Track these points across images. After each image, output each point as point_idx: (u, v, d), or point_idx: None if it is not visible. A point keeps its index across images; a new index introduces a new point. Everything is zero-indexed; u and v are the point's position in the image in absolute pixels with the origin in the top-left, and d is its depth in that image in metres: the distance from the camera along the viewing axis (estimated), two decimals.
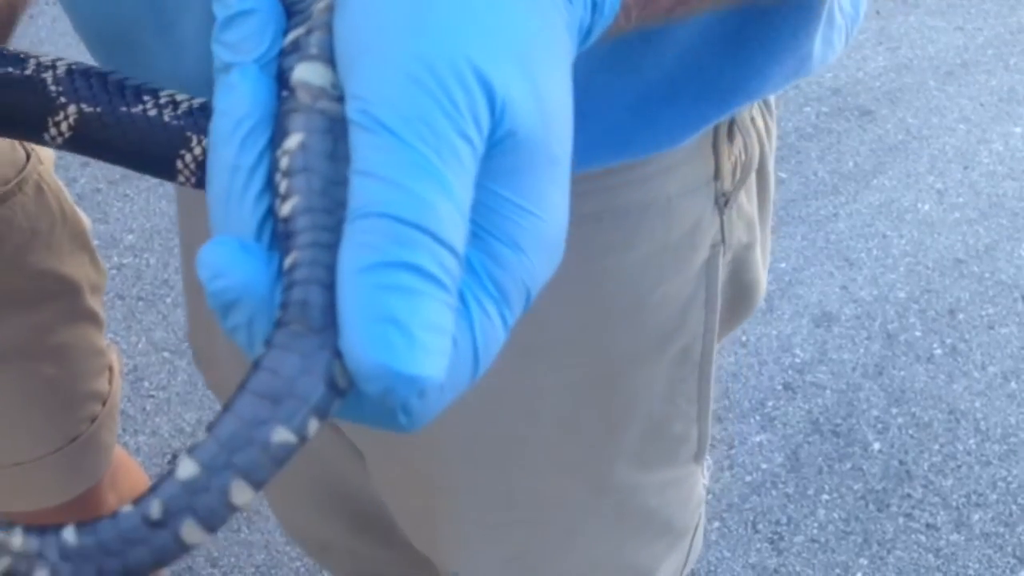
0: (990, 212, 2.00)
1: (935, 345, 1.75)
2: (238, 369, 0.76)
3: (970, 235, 1.95)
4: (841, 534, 1.50)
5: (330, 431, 0.75)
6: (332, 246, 0.24)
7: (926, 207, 2.01)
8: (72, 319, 0.85)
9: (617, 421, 0.61)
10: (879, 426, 1.64)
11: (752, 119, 0.57)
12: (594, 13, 0.28)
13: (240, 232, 0.25)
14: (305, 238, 0.24)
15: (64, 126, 0.37)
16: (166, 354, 1.76)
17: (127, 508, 0.24)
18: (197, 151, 0.36)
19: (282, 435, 0.23)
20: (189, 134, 0.36)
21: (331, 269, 0.23)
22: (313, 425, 0.23)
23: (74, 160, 2.15)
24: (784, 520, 1.52)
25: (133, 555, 0.23)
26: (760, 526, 1.52)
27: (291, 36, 0.26)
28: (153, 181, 2.09)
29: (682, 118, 0.49)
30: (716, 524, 1.52)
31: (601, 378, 0.59)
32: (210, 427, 0.23)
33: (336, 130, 0.25)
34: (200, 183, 0.37)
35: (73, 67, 0.37)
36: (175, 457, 1.60)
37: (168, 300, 1.85)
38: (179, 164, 0.36)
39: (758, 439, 1.62)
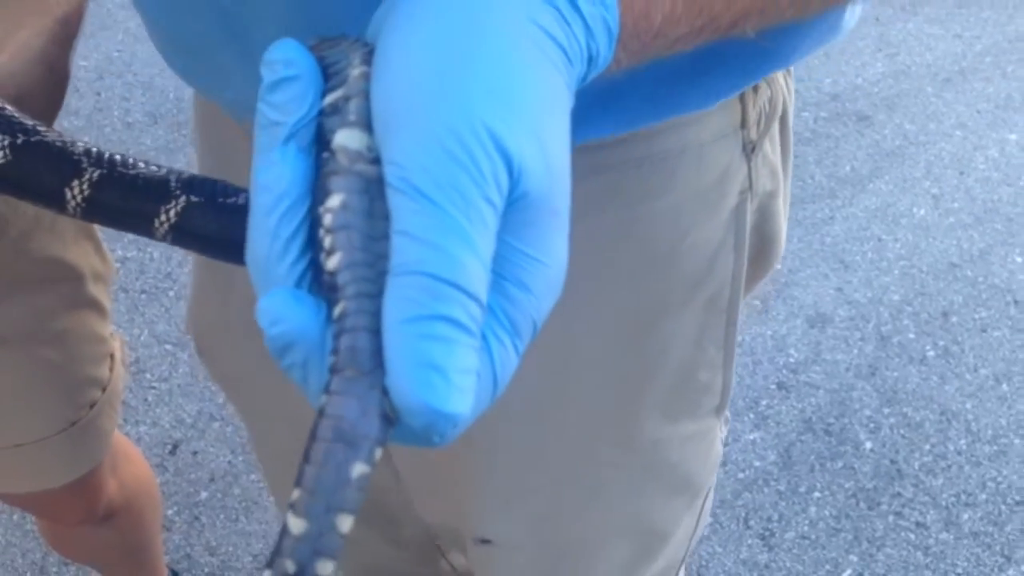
0: (985, 217, 2.02)
1: (928, 347, 1.77)
2: (242, 360, 0.77)
3: (964, 240, 1.97)
4: (832, 531, 1.52)
5: None
6: (374, 296, 0.27)
7: (922, 211, 2.03)
8: (74, 305, 0.87)
9: (648, 369, 0.63)
10: (871, 426, 1.66)
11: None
12: (589, 65, 0.32)
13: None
14: (351, 290, 0.27)
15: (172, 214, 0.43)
16: (168, 346, 1.78)
17: (268, 574, 0.27)
18: None
19: (359, 469, 0.27)
20: None
21: (374, 316, 0.27)
22: (378, 453, 0.27)
23: None
24: (776, 517, 1.54)
25: None
26: (752, 522, 1.54)
27: (329, 99, 0.30)
28: None
29: (719, 85, 0.53)
30: (708, 520, 1.54)
31: (635, 326, 0.61)
32: (298, 481, 0.27)
33: (372, 190, 0.28)
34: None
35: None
36: (176, 447, 1.62)
37: (171, 293, 1.87)
38: None
39: (751, 437, 1.64)
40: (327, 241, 0.28)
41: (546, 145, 0.29)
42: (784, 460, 1.61)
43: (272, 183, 0.29)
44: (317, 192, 0.29)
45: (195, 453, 1.62)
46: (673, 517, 0.75)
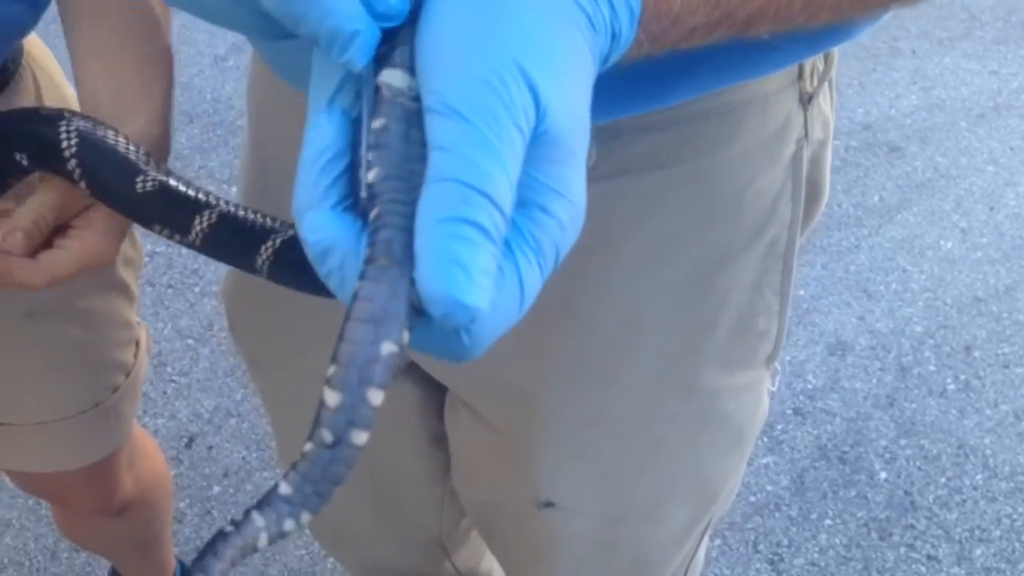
0: (1013, 253, 2.00)
1: (948, 380, 1.76)
2: (271, 338, 0.79)
3: (991, 275, 1.95)
4: (841, 559, 1.51)
5: (394, 399, 0.79)
6: (407, 203, 0.31)
7: (949, 244, 2.02)
8: (103, 287, 0.88)
9: (710, 318, 0.65)
10: (887, 456, 1.64)
11: None
12: (612, 42, 0.35)
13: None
14: (386, 196, 0.31)
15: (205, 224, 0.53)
16: (190, 341, 1.80)
17: (309, 447, 0.31)
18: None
19: (388, 347, 0.30)
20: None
21: (407, 219, 0.30)
22: (405, 336, 0.30)
23: None
24: (785, 542, 1.53)
25: (333, 471, 0.31)
26: (761, 546, 1.53)
27: (383, 50, 0.33)
28: (191, 175, 2.14)
29: (784, 57, 0.57)
30: (717, 542, 1.53)
31: (699, 275, 0.63)
32: (333, 357, 0.30)
33: (411, 119, 0.32)
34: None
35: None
36: (192, 441, 1.64)
37: (196, 289, 1.89)
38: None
39: (765, 461, 1.63)
40: (370, 156, 0.31)
41: (568, 93, 0.32)
42: (797, 486, 1.60)
43: (317, 137, 0.32)
44: (366, 119, 0.33)
45: (210, 448, 1.64)
46: (724, 474, 0.77)
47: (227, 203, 0.54)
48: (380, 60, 0.33)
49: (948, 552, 1.52)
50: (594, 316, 0.64)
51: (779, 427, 1.68)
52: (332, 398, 0.30)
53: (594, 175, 0.58)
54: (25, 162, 0.57)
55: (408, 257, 0.30)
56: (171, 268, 1.93)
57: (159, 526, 1.23)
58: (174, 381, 1.74)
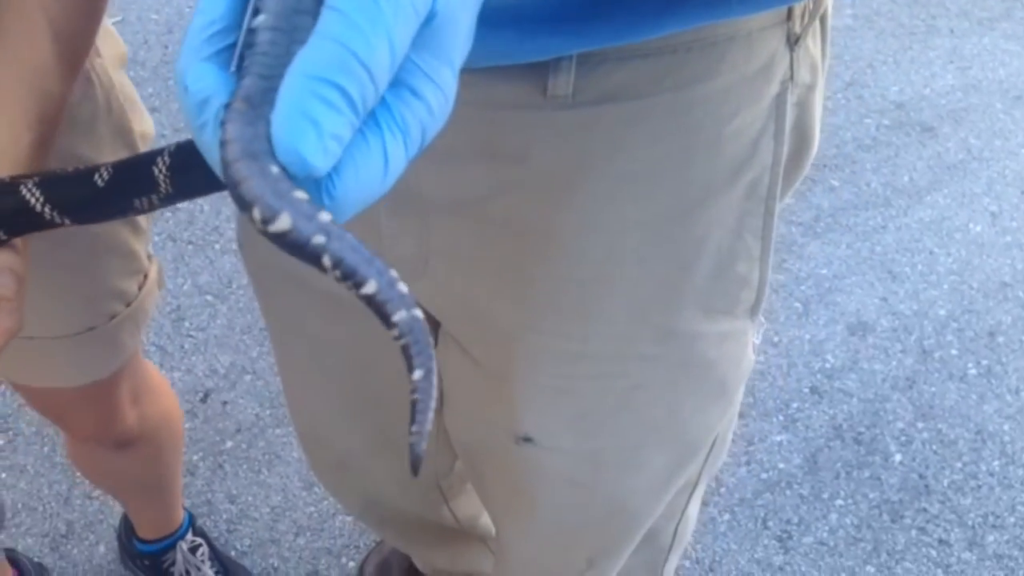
0: None
1: (970, 365, 1.73)
2: (280, 261, 0.79)
3: (1020, 260, 1.92)
4: (851, 540, 1.50)
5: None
6: (280, 56, 0.30)
7: (978, 228, 1.99)
8: None
9: (689, 257, 0.65)
10: (903, 438, 1.63)
11: None
12: None
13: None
14: (261, 49, 0.30)
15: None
16: (209, 297, 1.81)
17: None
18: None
19: (276, 169, 0.30)
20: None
21: (274, 69, 0.30)
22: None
23: (144, 104, 2.22)
24: (795, 520, 1.52)
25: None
26: (770, 523, 1.52)
27: None
28: None
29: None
30: (727, 516, 1.52)
31: (679, 210, 0.63)
32: (240, 203, 0.30)
33: None
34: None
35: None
36: (207, 396, 1.65)
37: (217, 246, 1.90)
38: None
39: (778, 438, 1.62)
40: (258, 4, 0.31)
41: None
42: (810, 465, 1.59)
43: (207, 8, 0.32)
44: None
45: (225, 403, 1.65)
46: (706, 425, 0.77)
47: (165, 147, 0.53)
48: None
49: (960, 537, 1.50)
50: (575, 245, 0.64)
51: (794, 405, 1.67)
52: (283, 223, 0.29)
53: (574, 102, 0.58)
54: (3, 236, 0.56)
55: (267, 103, 0.30)
56: (192, 224, 1.94)
57: (165, 469, 1.23)
58: (192, 336, 1.74)
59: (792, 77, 0.63)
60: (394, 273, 0.31)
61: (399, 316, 0.31)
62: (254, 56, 0.30)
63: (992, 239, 1.96)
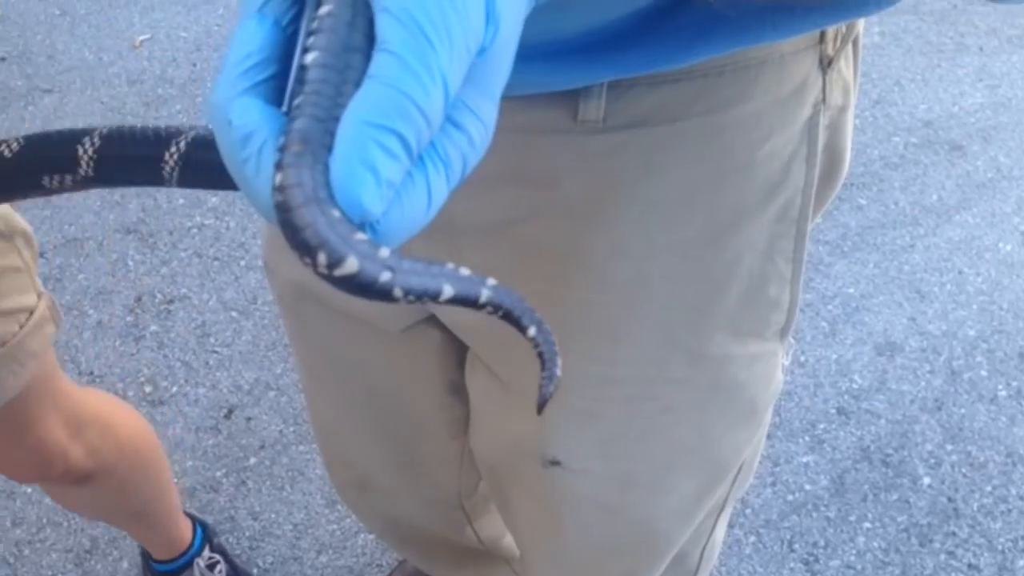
0: None
1: (1000, 387, 1.71)
2: (302, 275, 0.79)
3: None
4: (879, 563, 1.48)
5: (417, 340, 0.79)
6: (333, 96, 0.30)
7: (1008, 247, 1.96)
8: None
9: (720, 280, 0.65)
10: (931, 461, 1.60)
11: None
12: None
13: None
14: (313, 87, 0.30)
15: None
16: (234, 313, 1.81)
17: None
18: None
19: (338, 215, 0.30)
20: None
21: (328, 110, 0.30)
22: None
23: (171, 121, 2.24)
24: (822, 543, 1.50)
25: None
26: (796, 546, 1.50)
27: None
28: None
29: (807, 25, 0.56)
30: (752, 538, 1.51)
31: (710, 234, 0.63)
32: (302, 248, 0.30)
33: (356, 6, 0.31)
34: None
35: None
36: (231, 412, 1.65)
37: (242, 263, 1.91)
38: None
39: (805, 459, 1.60)
40: (309, 41, 0.31)
41: (514, 23, 0.33)
42: (837, 487, 1.57)
43: (245, 40, 0.32)
44: (311, 7, 0.32)
45: (249, 419, 1.65)
46: (735, 447, 0.76)
47: (105, 128, 0.50)
48: None
49: (990, 562, 1.48)
50: (604, 269, 0.64)
51: (821, 426, 1.65)
52: (351, 267, 0.30)
53: (604, 126, 0.58)
54: None
55: (324, 146, 0.30)
56: (218, 241, 1.95)
57: (138, 498, 1.20)
58: (216, 352, 1.75)
59: (825, 100, 0.63)
60: (461, 270, 0.31)
61: (484, 297, 0.32)
62: (307, 95, 0.30)
63: (1022, 258, 1.94)
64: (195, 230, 1.96)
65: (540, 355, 0.34)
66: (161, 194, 2.04)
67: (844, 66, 0.64)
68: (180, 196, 2.04)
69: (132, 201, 2.04)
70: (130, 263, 1.91)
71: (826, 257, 1.93)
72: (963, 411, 1.67)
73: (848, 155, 0.69)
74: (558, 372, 0.34)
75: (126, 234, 1.96)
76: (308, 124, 0.30)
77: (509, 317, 0.33)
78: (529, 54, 0.37)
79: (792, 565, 1.48)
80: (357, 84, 0.30)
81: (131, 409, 1.18)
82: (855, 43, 0.65)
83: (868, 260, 1.93)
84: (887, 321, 1.81)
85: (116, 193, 2.05)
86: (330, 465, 1.04)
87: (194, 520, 1.41)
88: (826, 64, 0.62)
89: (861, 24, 0.64)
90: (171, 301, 1.84)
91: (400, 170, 0.29)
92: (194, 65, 2.41)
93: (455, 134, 0.32)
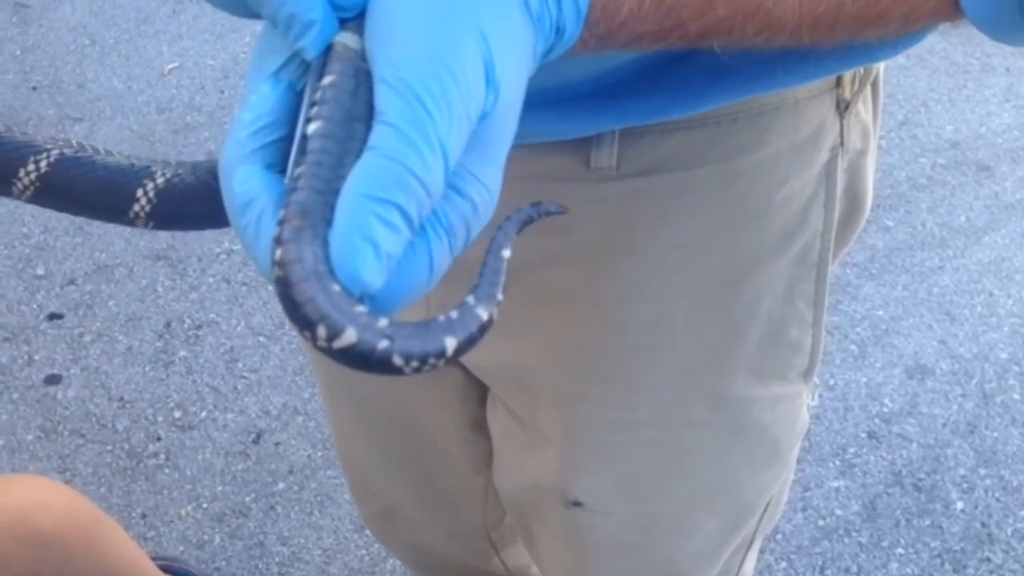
0: None
1: None
2: None
3: None
4: None
5: (439, 378, 0.79)
6: (334, 167, 0.30)
7: None
8: None
9: (739, 324, 0.64)
10: (964, 485, 1.59)
11: None
12: (556, 37, 0.35)
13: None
14: (315, 157, 0.30)
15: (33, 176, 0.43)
16: (262, 338, 1.82)
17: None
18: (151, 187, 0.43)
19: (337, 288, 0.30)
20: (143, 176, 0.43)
21: (329, 182, 0.30)
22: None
23: (199, 149, 2.26)
24: (854, 569, 1.49)
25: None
26: (828, 572, 1.48)
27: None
28: None
29: (821, 71, 0.56)
30: (783, 564, 1.49)
31: (728, 278, 0.62)
32: (303, 322, 0.30)
33: (360, 77, 0.32)
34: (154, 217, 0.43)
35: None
36: (259, 437, 1.66)
37: (269, 288, 1.91)
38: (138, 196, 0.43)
39: (835, 484, 1.59)
40: (313, 111, 0.31)
41: (514, 86, 0.33)
42: (868, 512, 1.55)
43: (257, 102, 0.33)
44: (314, 77, 0.32)
45: (277, 444, 1.66)
46: (760, 488, 0.75)
47: (64, 144, 0.45)
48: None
49: None
50: (622, 313, 0.64)
51: (852, 450, 1.63)
52: (349, 338, 0.30)
53: (617, 173, 0.58)
54: None
55: (324, 220, 0.30)
56: (246, 266, 1.96)
57: (87, 570, 1.08)
58: (245, 377, 1.76)
59: (842, 143, 0.62)
60: (452, 312, 0.31)
61: (487, 313, 0.32)
62: (308, 166, 0.30)
63: None
64: (223, 256, 1.98)
65: (530, 221, 0.35)
66: None
67: (863, 109, 0.63)
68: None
69: None
70: (159, 289, 1.92)
71: (854, 279, 1.91)
72: (996, 435, 1.65)
73: (870, 196, 0.68)
74: (541, 210, 0.35)
75: (155, 260, 1.98)
76: (308, 197, 0.30)
77: (503, 286, 0.33)
78: (538, 101, 0.37)
79: None
80: (359, 154, 0.30)
81: (53, 491, 1.06)
82: (874, 85, 0.64)
83: (897, 282, 1.92)
84: (917, 344, 1.80)
85: None
86: (356, 496, 1.04)
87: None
88: (843, 108, 0.61)
89: (880, 67, 0.64)
90: (200, 326, 1.85)
91: (400, 242, 0.29)
92: (222, 92, 2.43)
93: (458, 201, 0.31)
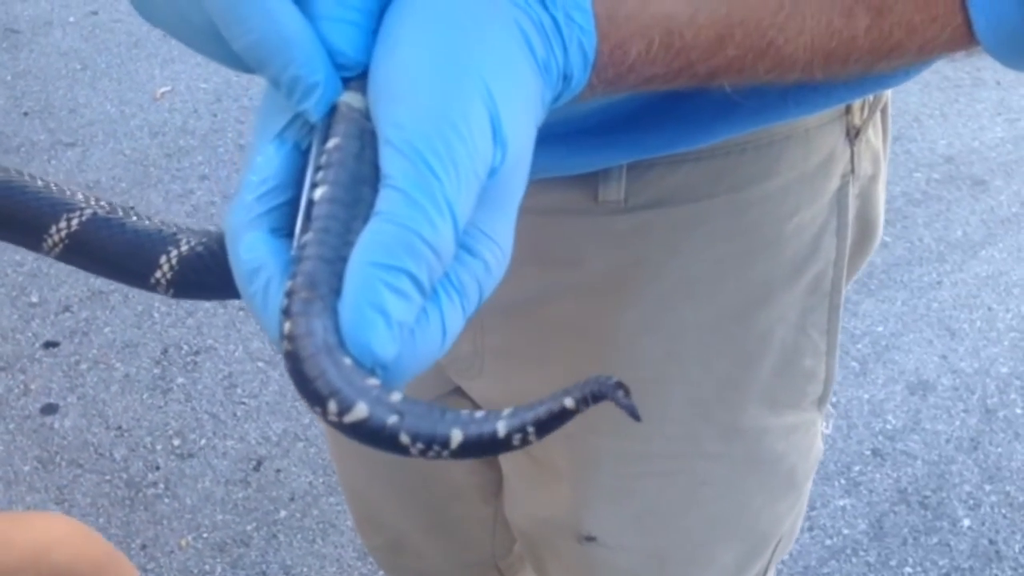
0: None
1: None
2: None
3: None
4: None
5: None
6: (341, 234, 0.30)
7: None
8: None
9: (752, 354, 0.63)
10: (971, 502, 1.58)
11: None
12: (564, 84, 0.34)
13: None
14: (321, 223, 0.30)
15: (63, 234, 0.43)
16: (260, 364, 1.81)
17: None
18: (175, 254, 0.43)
19: (349, 362, 0.30)
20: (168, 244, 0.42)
21: (336, 249, 0.29)
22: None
23: (193, 172, 2.25)
24: None
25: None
26: None
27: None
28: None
29: (832, 100, 0.55)
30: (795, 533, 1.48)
31: (739, 309, 0.61)
32: (314, 399, 0.29)
33: (365, 137, 0.31)
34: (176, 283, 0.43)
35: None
36: (260, 464, 1.64)
37: None
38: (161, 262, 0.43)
39: (841, 503, 1.58)
40: (319, 176, 0.31)
41: (523, 139, 0.32)
42: (875, 531, 1.55)
43: (263, 165, 0.32)
44: (319, 139, 0.32)
45: (278, 471, 1.64)
46: (775, 517, 0.74)
47: (96, 203, 0.45)
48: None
49: None
50: (633, 347, 0.63)
51: (856, 468, 1.63)
52: (360, 412, 0.29)
53: (626, 206, 0.57)
54: None
55: (332, 290, 0.29)
56: None
57: None
58: (244, 403, 1.74)
59: (853, 170, 0.61)
60: (476, 413, 0.30)
61: (503, 429, 0.30)
62: (315, 233, 0.30)
63: None
64: None
65: (598, 397, 0.32)
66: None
67: (873, 135, 0.63)
68: None
69: None
70: (156, 315, 1.91)
71: (853, 296, 1.91)
72: (1000, 450, 1.65)
73: (881, 221, 0.67)
74: (619, 395, 0.33)
75: None
76: (316, 266, 0.29)
77: (544, 426, 0.31)
78: (545, 136, 0.37)
79: None
80: (367, 218, 0.30)
81: (69, 527, 1.06)
82: (883, 111, 0.63)
83: (896, 298, 1.92)
84: (918, 360, 1.80)
85: None
86: (361, 528, 1.03)
87: None
88: (854, 135, 0.60)
89: (888, 93, 0.63)
90: (197, 352, 1.84)
91: (412, 309, 0.29)
92: (215, 116, 2.43)
93: (470, 261, 0.31)
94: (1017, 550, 1.52)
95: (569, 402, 0.31)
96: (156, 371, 1.80)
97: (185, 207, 2.15)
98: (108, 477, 1.64)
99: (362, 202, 0.30)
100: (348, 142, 0.31)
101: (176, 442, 1.69)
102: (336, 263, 0.29)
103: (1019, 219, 2.10)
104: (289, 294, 0.29)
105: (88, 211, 0.42)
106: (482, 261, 0.31)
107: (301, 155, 0.33)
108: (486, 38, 0.32)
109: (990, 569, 1.49)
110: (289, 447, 1.67)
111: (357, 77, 0.32)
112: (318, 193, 0.30)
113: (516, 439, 0.30)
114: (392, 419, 0.29)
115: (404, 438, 0.29)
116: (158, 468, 1.65)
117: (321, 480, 1.62)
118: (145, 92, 2.51)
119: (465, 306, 0.31)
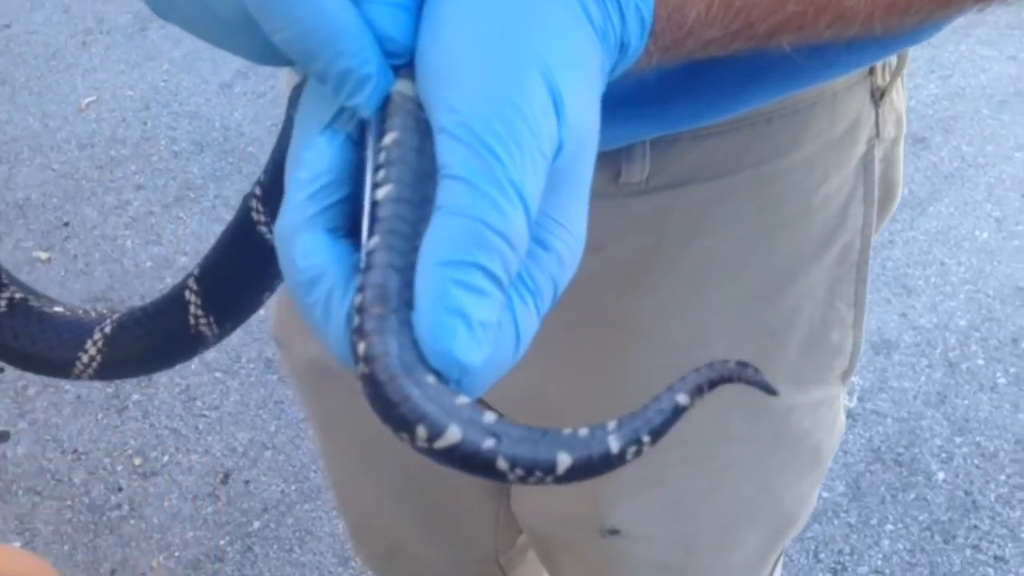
0: None
1: (998, 374, 1.71)
2: (318, 354, 0.75)
3: None
4: (906, 565, 1.46)
5: None
6: (410, 236, 0.27)
7: (984, 235, 1.98)
8: None
9: (779, 333, 0.62)
10: (943, 455, 1.60)
11: None
12: (621, 53, 0.32)
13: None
14: (388, 225, 0.27)
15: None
16: (218, 374, 1.75)
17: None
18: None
19: (432, 378, 0.27)
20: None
21: (405, 254, 0.27)
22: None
23: (127, 183, 2.17)
24: (847, 550, 1.48)
25: None
26: (822, 555, 1.48)
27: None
28: (206, 204, 2.10)
29: (866, 58, 0.53)
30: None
31: (767, 287, 0.60)
32: (400, 424, 0.27)
33: (422, 128, 0.28)
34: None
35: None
36: (227, 476, 1.59)
37: None
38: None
39: None
40: (380, 175, 0.28)
41: (587, 113, 0.29)
42: (853, 491, 1.55)
43: (315, 159, 0.29)
44: (376, 133, 0.29)
45: (247, 482, 1.59)
46: (800, 496, 0.73)
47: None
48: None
49: (1016, 552, 1.47)
50: (657, 331, 0.61)
51: None
52: (453, 437, 0.27)
53: (647, 187, 0.54)
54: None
55: (404, 302, 0.26)
56: None
57: None
58: (205, 415, 1.69)
59: (878, 134, 0.60)
60: (580, 430, 0.27)
61: (616, 445, 0.28)
62: (381, 236, 0.27)
63: (1000, 244, 1.95)
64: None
65: (719, 383, 0.31)
66: (127, 259, 1.98)
67: (896, 95, 0.61)
68: (147, 259, 1.98)
69: (97, 268, 1.97)
70: None
71: None
72: (966, 402, 1.67)
73: (901, 183, 0.66)
74: (749, 373, 0.31)
75: (95, 303, 1.90)
76: (386, 276, 0.27)
77: (659, 431, 0.29)
78: None
79: (820, 575, 1.46)
80: None
81: (33, 562, 1.05)
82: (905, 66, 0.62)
83: None
84: (879, 319, 1.81)
85: (80, 261, 1.98)
86: (358, 536, 1.00)
87: None
88: (878, 97, 0.58)
89: (909, 52, 0.62)
90: None
91: (493, 306, 0.26)
92: (145, 124, 2.35)
93: (543, 256, 0.28)
94: (992, 499, 1.54)
95: (683, 398, 0.29)
96: (109, 390, 1.74)
97: (123, 219, 2.08)
98: (69, 503, 1.57)
99: (429, 200, 0.27)
100: (406, 136, 0.28)
101: (137, 461, 1.63)
102: (406, 270, 0.27)
103: (961, 174, 2.13)
104: (360, 310, 0.26)
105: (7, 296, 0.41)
106: (555, 254, 0.28)
107: (354, 147, 0.30)
108: (538, 6, 0.29)
109: (968, 519, 1.51)
110: (257, 457, 1.62)
111: (405, 64, 0.30)
112: (381, 193, 0.28)
113: (630, 452, 0.28)
114: (488, 443, 0.26)
115: (502, 463, 0.26)
116: (120, 489, 1.59)
117: (293, 487, 1.58)
118: (69, 104, 2.42)
119: (539, 306, 0.28)
